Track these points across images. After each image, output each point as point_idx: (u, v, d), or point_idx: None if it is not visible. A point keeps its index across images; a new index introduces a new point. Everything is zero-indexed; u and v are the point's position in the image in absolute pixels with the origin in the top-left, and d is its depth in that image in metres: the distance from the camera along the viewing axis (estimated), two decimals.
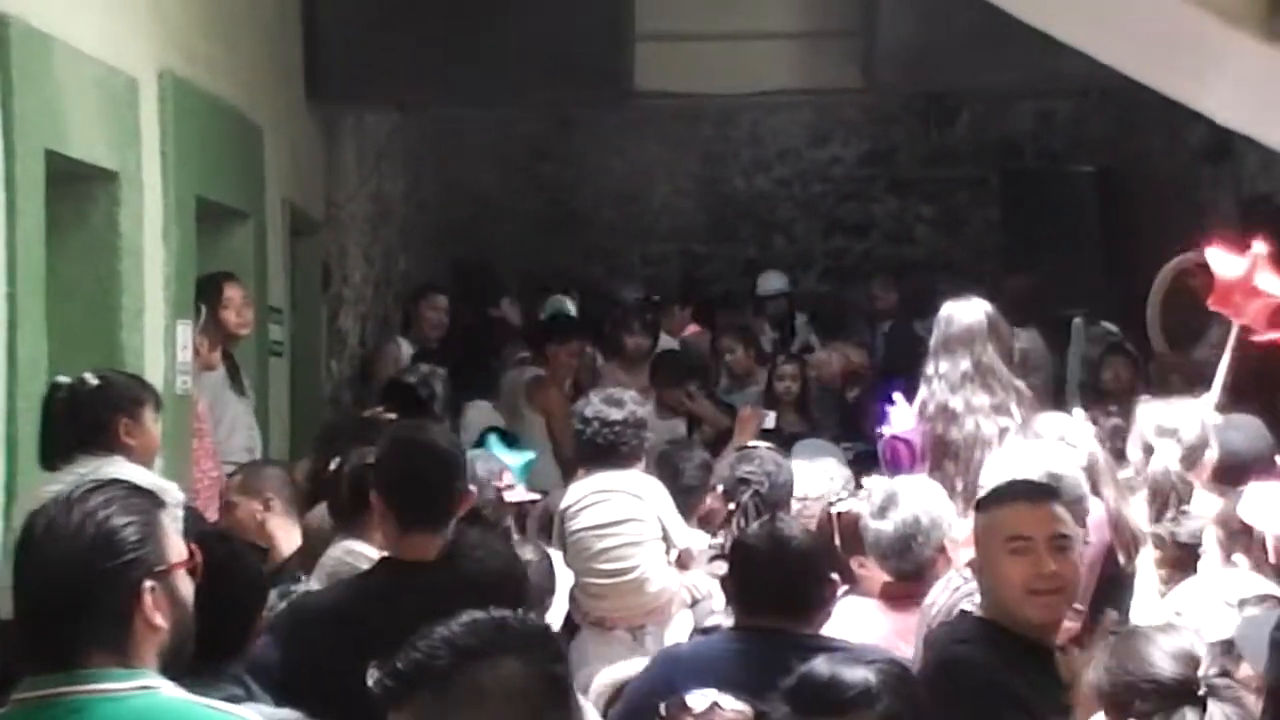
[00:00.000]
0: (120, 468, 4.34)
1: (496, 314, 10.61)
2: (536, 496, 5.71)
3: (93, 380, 4.64)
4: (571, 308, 10.03)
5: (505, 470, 5.38)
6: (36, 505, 4.23)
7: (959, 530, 4.28)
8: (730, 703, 3.26)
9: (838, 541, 4.75)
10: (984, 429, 5.36)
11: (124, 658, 2.43)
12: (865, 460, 6.24)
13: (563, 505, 5.23)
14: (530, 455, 6.27)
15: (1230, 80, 5.06)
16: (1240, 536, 4.29)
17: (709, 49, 10.80)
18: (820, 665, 2.83)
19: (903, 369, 6.03)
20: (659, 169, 12.82)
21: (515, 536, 5.10)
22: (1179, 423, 5.07)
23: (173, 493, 4.04)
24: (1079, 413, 5.40)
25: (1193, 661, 2.96)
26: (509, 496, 5.28)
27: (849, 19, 11.08)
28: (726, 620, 4.34)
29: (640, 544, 5.11)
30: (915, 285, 10.74)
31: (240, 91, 7.18)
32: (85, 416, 4.58)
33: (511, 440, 6.52)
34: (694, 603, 5.14)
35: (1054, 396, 7.95)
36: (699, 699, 3.28)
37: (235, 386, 6.89)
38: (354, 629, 3.49)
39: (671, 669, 3.97)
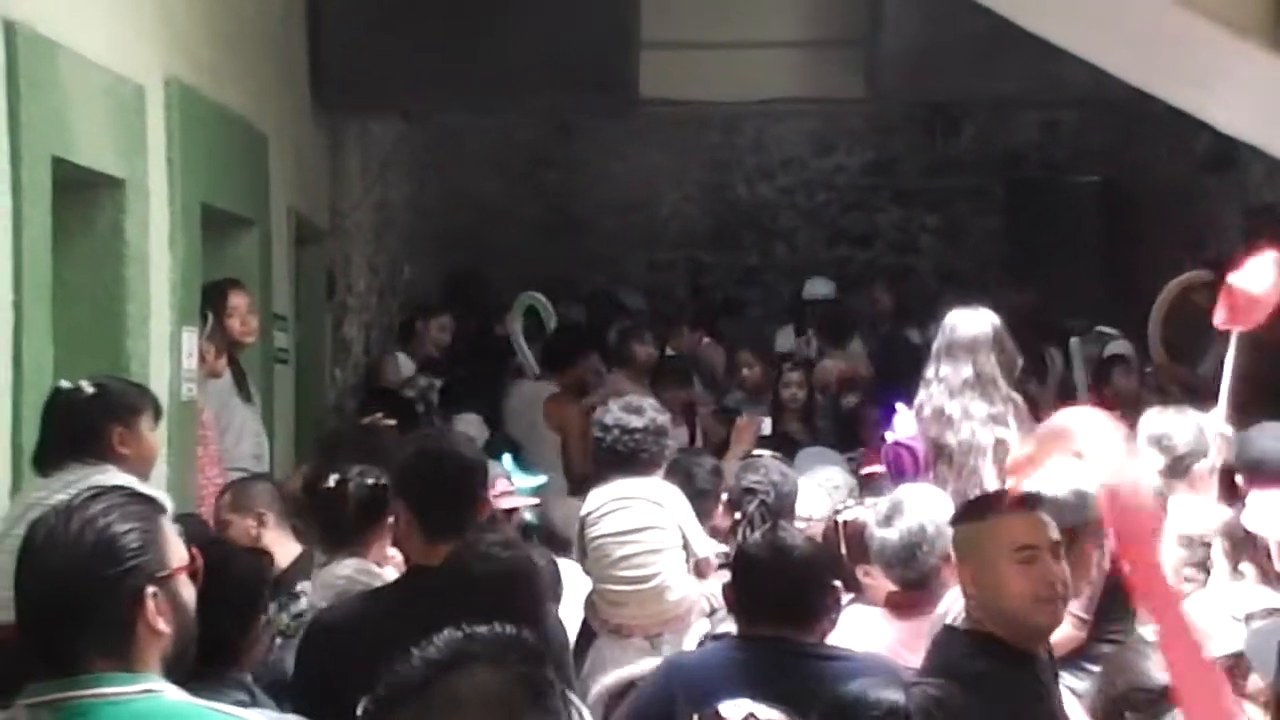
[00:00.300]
0: (111, 477, 4.30)
1: (501, 331, 10.60)
2: (534, 501, 5.71)
3: (88, 388, 4.62)
4: (546, 304, 10.01)
5: (500, 477, 5.39)
6: (21, 511, 4.29)
7: None
8: (765, 712, 3.24)
9: (843, 550, 4.76)
10: (979, 437, 5.37)
11: (127, 663, 2.44)
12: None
13: (583, 512, 5.21)
14: (542, 479, 6.28)
15: (1236, 89, 5.06)
16: (1245, 545, 4.30)
17: (713, 57, 10.82)
18: (854, 685, 2.84)
19: (895, 375, 6.03)
20: (663, 177, 12.83)
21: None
22: (1169, 430, 5.07)
23: (163, 503, 4.04)
24: None
25: None
26: (502, 503, 5.28)
27: (853, 28, 11.09)
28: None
29: (661, 552, 5.10)
30: (913, 291, 10.75)
31: (246, 99, 7.19)
32: (79, 424, 4.57)
33: (525, 464, 6.54)
34: (711, 612, 5.13)
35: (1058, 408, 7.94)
36: (733, 709, 3.27)
37: (242, 393, 6.90)
38: (384, 638, 3.48)
39: (675, 677, 3.97)
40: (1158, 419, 5.15)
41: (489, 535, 3.79)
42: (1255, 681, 3.20)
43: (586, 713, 3.90)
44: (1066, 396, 8.95)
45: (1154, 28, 4.75)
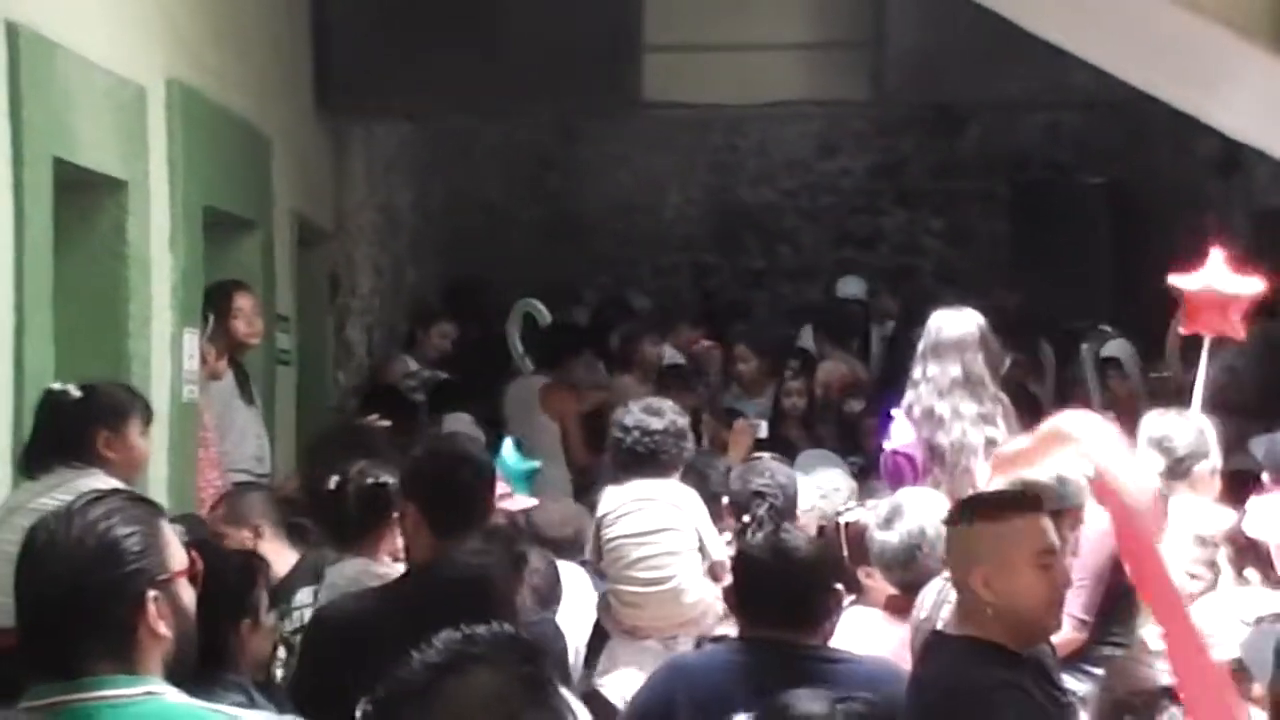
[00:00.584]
0: (97, 481, 4.29)
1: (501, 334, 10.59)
2: (534, 502, 5.71)
3: (75, 392, 4.61)
4: (541, 309, 10.03)
5: (500, 480, 5.38)
6: (3, 515, 4.28)
7: None
8: None
9: (845, 552, 4.75)
10: (970, 436, 5.36)
11: (129, 666, 2.44)
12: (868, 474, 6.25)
13: (600, 512, 5.21)
14: (535, 465, 6.28)
15: (1240, 92, 5.05)
16: (1249, 551, 4.29)
17: (717, 60, 10.79)
18: (783, 696, 2.81)
19: (900, 379, 6.01)
20: (667, 180, 12.82)
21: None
22: (1169, 432, 5.06)
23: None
24: None
25: None
26: (506, 505, 5.27)
27: (858, 30, 11.07)
28: None
29: (678, 554, 5.09)
30: (918, 294, 10.71)
31: (249, 102, 7.19)
32: (65, 428, 4.56)
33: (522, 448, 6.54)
34: (729, 614, 5.11)
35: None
36: None
37: (244, 395, 6.90)
38: (381, 638, 3.47)
39: (675, 679, 3.96)
40: (1158, 421, 5.15)
41: (471, 541, 3.79)
42: (1259, 689, 3.20)
43: (584, 712, 3.90)
44: (1074, 398, 8.95)
45: (1158, 30, 4.74)
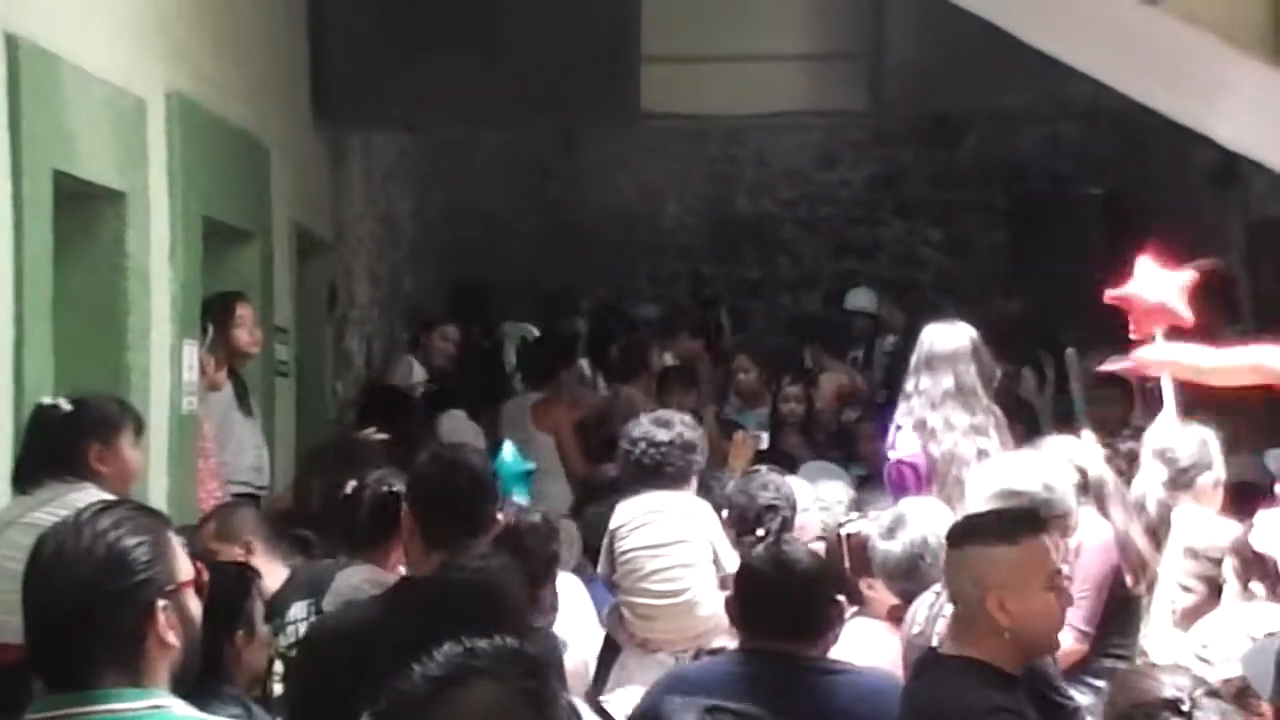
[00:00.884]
0: (89, 495, 4.28)
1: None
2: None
3: (65, 406, 4.59)
4: (535, 334, 10.07)
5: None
6: None
7: None
8: None
9: (847, 563, 4.74)
10: (961, 448, 5.37)
11: (136, 677, 2.43)
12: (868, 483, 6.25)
13: (613, 525, 5.18)
14: (530, 466, 6.28)
15: (1237, 104, 5.06)
16: (1255, 565, 4.29)
17: (715, 70, 10.83)
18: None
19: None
20: (665, 190, 12.84)
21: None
22: (1172, 444, 5.07)
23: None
24: (1088, 435, 5.39)
25: (1188, 688, 2.98)
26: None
27: (856, 41, 11.10)
28: None
29: (692, 566, 5.07)
30: (922, 305, 10.70)
31: (248, 112, 7.19)
32: (56, 442, 4.54)
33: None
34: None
35: (1057, 424, 7.93)
36: None
37: (243, 406, 6.89)
38: (383, 649, 3.47)
39: (676, 690, 3.95)
40: (1161, 432, 5.15)
41: (473, 549, 3.78)
42: (1268, 707, 3.20)
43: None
44: (1062, 408, 8.96)
45: (1155, 42, 4.75)
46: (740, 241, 12.94)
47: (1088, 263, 10.85)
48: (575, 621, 4.98)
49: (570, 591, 5.10)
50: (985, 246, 12.56)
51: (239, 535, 4.91)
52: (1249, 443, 6.53)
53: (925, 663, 3.60)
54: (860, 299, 11.31)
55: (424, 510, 3.82)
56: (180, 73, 6.32)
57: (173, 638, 2.46)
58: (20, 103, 4.84)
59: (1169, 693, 3.06)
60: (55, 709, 2.40)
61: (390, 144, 10.47)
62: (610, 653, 5.13)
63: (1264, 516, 4.42)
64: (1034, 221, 11.58)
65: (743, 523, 5.26)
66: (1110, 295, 5.47)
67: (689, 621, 5.05)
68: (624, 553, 5.12)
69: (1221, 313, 8.28)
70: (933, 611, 3.98)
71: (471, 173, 12.31)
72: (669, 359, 9.50)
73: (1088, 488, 4.76)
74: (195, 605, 2.54)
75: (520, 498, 5.85)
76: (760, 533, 5.18)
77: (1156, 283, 5.43)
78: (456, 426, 8.23)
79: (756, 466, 5.99)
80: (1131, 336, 5.40)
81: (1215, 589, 4.50)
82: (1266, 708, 3.19)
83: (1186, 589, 4.54)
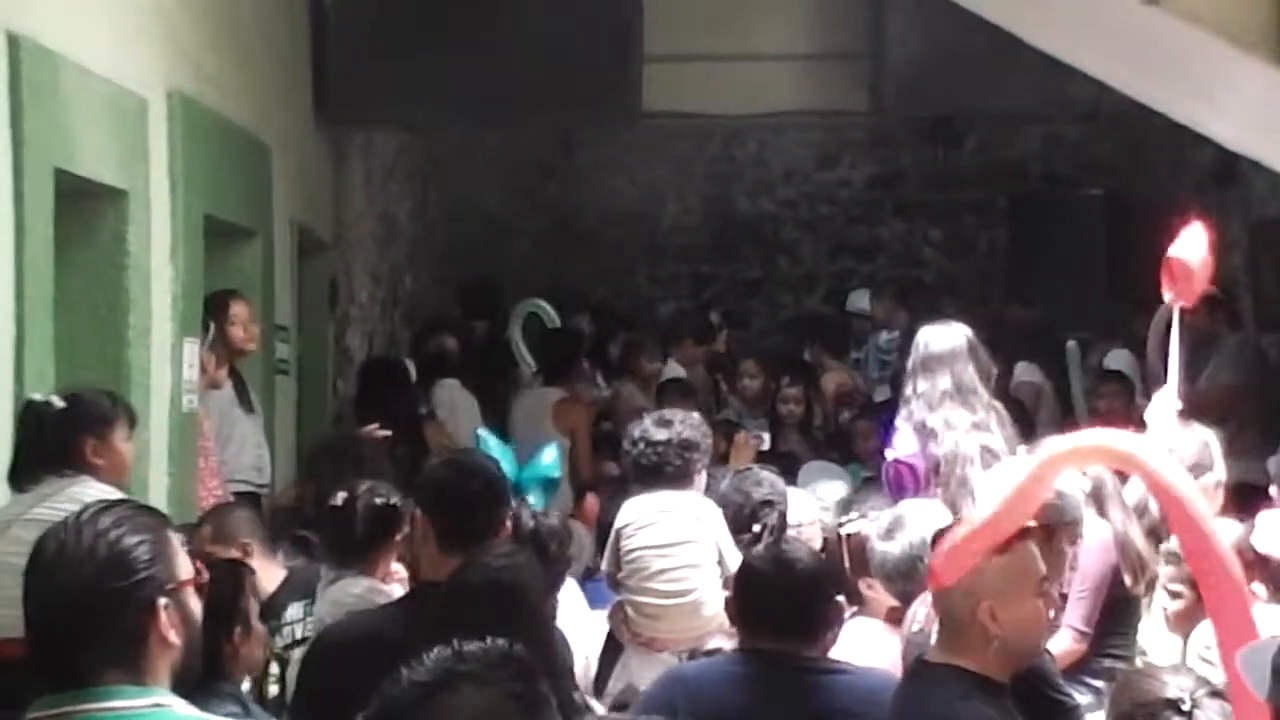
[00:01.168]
0: (89, 487, 4.31)
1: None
2: None
3: (58, 402, 4.61)
4: (548, 309, 10.05)
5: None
6: (1, 528, 4.27)
7: None
8: None
9: (846, 563, 4.75)
10: (963, 446, 5.37)
11: (138, 676, 2.44)
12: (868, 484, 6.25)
13: (619, 524, 5.18)
14: (558, 475, 6.24)
15: (1238, 104, 5.06)
16: (1256, 566, 4.29)
17: (716, 70, 10.83)
18: None
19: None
20: (665, 190, 12.83)
21: None
22: (1174, 444, 5.07)
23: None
24: None
25: (1190, 688, 2.98)
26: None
27: (857, 42, 11.11)
28: None
29: (698, 566, 5.06)
30: (924, 303, 10.70)
31: (249, 111, 7.20)
32: (52, 438, 4.56)
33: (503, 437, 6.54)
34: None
35: (1061, 422, 7.94)
36: None
37: (243, 404, 6.90)
38: (390, 655, 3.47)
39: (675, 690, 3.96)
40: (1164, 434, 5.15)
41: (495, 548, 3.78)
42: None
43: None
44: (1063, 404, 8.96)
45: (1156, 43, 4.75)
46: (740, 241, 12.93)
47: (1088, 263, 10.89)
48: (573, 621, 4.98)
49: (565, 591, 5.11)
50: (986, 246, 12.55)
51: (235, 538, 4.89)
52: (1251, 445, 6.55)
53: (915, 672, 3.58)
54: (862, 301, 11.29)
55: (437, 513, 3.83)
56: (181, 71, 6.32)
57: (174, 636, 2.47)
58: (22, 101, 4.85)
59: (1171, 693, 3.06)
60: (57, 707, 2.41)
61: (391, 143, 10.47)
62: (611, 652, 5.13)
63: (1265, 518, 4.42)
64: (1034, 222, 11.57)
65: (738, 520, 5.26)
66: (1171, 252, 5.37)
67: (694, 622, 5.05)
68: (630, 551, 5.12)
69: (1223, 319, 8.29)
70: (932, 611, 3.97)
71: (472, 172, 12.31)
72: (674, 365, 9.51)
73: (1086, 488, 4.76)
74: (195, 604, 2.55)
75: (536, 500, 5.83)
76: (756, 529, 5.19)
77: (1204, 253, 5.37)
78: (451, 396, 8.27)
79: (748, 465, 6.00)
80: (1168, 301, 5.34)
81: None
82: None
83: (1175, 594, 4.52)
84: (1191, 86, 5.22)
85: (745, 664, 3.93)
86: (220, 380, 6.63)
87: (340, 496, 4.63)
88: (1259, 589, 4.28)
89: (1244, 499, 5.17)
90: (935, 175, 12.64)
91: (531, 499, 5.34)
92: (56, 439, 4.54)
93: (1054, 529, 4.17)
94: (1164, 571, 4.63)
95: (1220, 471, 5.07)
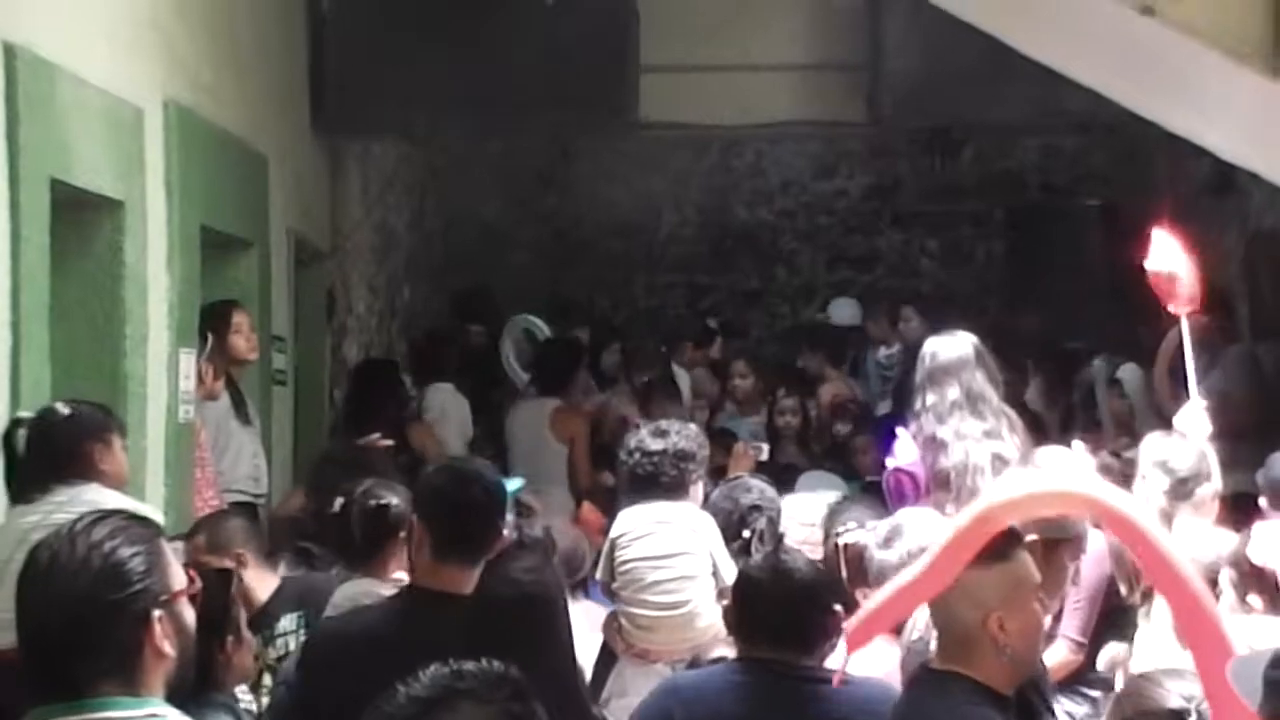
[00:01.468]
0: (99, 494, 4.32)
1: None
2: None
3: (63, 410, 4.62)
4: (539, 325, 10.07)
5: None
6: (20, 536, 4.27)
7: None
8: None
9: (844, 574, 4.74)
10: (974, 456, 5.34)
11: (133, 687, 2.44)
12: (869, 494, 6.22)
13: (614, 534, 5.19)
14: (519, 482, 6.26)
15: (1234, 115, 5.07)
16: (1252, 577, 4.28)
17: (713, 80, 10.84)
18: None
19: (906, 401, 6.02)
20: (662, 200, 12.84)
21: None
22: (1170, 455, 5.07)
23: (154, 518, 4.02)
24: (1079, 445, 5.40)
25: (1194, 699, 2.97)
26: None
27: (854, 53, 11.11)
28: None
29: (693, 578, 5.07)
30: (920, 320, 10.70)
31: (245, 121, 7.20)
32: (60, 446, 4.56)
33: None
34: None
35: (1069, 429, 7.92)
36: None
37: (239, 415, 6.89)
38: (381, 657, 3.46)
39: (671, 700, 3.95)
40: (1160, 443, 5.15)
41: (518, 560, 3.76)
42: None
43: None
44: (1075, 418, 8.95)
45: (1153, 54, 4.76)
46: (738, 251, 12.93)
47: (1085, 273, 10.90)
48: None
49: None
50: (983, 257, 12.56)
51: (229, 548, 4.85)
52: (1248, 456, 6.53)
53: (919, 678, 3.57)
54: (843, 311, 11.21)
55: (434, 522, 3.81)
56: (178, 82, 6.32)
57: (168, 647, 2.47)
58: (18, 111, 4.85)
59: (1175, 702, 3.03)
60: (51, 719, 2.41)
61: (388, 153, 10.46)
62: (605, 662, 5.13)
63: (1261, 529, 4.41)
64: (1031, 232, 11.58)
65: (728, 526, 5.26)
66: (1150, 266, 5.41)
67: (688, 633, 5.05)
68: (624, 562, 5.12)
69: (1222, 328, 8.29)
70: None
71: (470, 183, 12.31)
72: (678, 369, 9.53)
73: None
74: (190, 614, 2.55)
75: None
76: (746, 534, 5.19)
77: (1178, 264, 5.40)
78: (443, 400, 8.27)
79: (740, 474, 6.00)
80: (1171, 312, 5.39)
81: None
82: None
83: None
84: (1187, 98, 5.22)
85: (743, 674, 3.92)
86: (216, 391, 6.63)
87: (338, 502, 4.64)
88: (1255, 601, 4.27)
89: (1241, 510, 5.16)
90: (933, 186, 12.64)
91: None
92: (65, 447, 4.54)
93: (1056, 544, 4.14)
94: None
95: (1217, 482, 5.07)
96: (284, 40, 8.12)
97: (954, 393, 5.42)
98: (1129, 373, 8.82)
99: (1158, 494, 4.99)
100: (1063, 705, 4.44)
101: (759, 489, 5.43)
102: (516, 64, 8.39)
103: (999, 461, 5.28)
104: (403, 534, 4.51)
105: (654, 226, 12.88)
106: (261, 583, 4.75)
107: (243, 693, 4.06)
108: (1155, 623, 4.70)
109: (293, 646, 4.52)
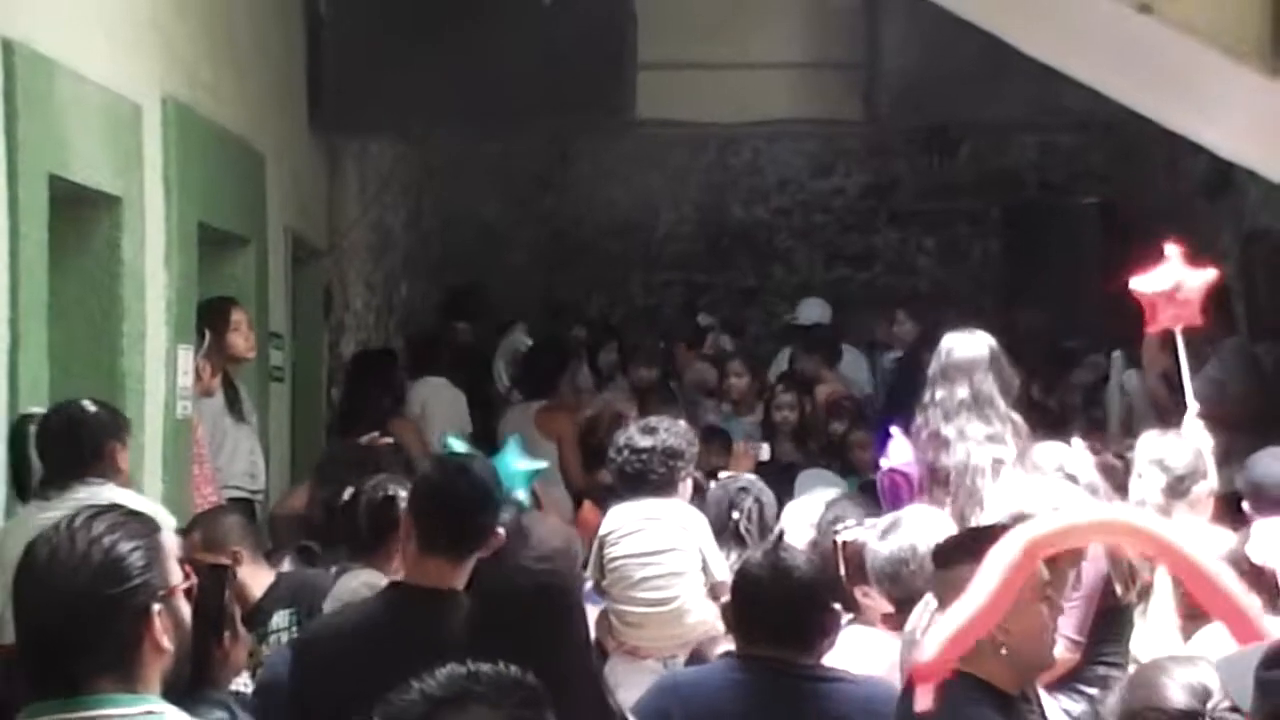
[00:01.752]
0: (117, 494, 4.33)
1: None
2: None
3: (90, 407, 4.63)
4: (528, 342, 10.10)
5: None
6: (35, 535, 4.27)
7: None
8: None
9: (842, 571, 4.74)
10: (975, 458, 5.34)
11: (130, 683, 2.44)
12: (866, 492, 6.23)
13: (602, 531, 5.19)
14: (543, 464, 6.23)
15: (1232, 114, 5.07)
16: (1250, 577, 4.27)
17: (710, 78, 10.84)
18: None
19: (908, 402, 6.01)
20: (660, 198, 12.84)
21: None
22: (1166, 453, 5.07)
23: (165, 518, 4.02)
24: (1078, 443, 5.39)
25: (1204, 694, 2.94)
26: None
27: (852, 51, 11.12)
28: None
29: (682, 574, 5.08)
30: (931, 318, 10.69)
31: (243, 119, 7.20)
32: (85, 443, 4.56)
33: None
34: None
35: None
36: None
37: (234, 412, 6.89)
38: (366, 653, 3.46)
39: (669, 697, 3.95)
40: (1157, 441, 5.16)
41: (529, 552, 3.74)
42: None
43: None
44: (1074, 417, 8.95)
45: (1150, 51, 4.76)
46: (735, 250, 12.94)
47: (1082, 272, 10.90)
48: None
49: None
50: (980, 255, 12.57)
51: (225, 545, 4.85)
52: (1245, 453, 6.54)
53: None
54: (811, 311, 11.10)
55: (421, 516, 3.80)
56: (176, 78, 6.32)
57: (166, 642, 2.47)
58: (16, 107, 4.86)
59: (1184, 701, 3.00)
60: (48, 714, 2.40)
61: (385, 151, 10.46)
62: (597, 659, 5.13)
63: (1260, 528, 4.41)
64: (1029, 231, 11.59)
65: (719, 511, 5.27)
66: (1135, 286, 5.43)
67: (677, 629, 5.06)
68: (613, 559, 5.13)
69: (1222, 323, 8.29)
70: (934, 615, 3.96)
71: (467, 182, 12.31)
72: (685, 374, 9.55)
73: None
74: (187, 610, 2.56)
75: (521, 494, 5.79)
76: (736, 515, 5.20)
77: (1180, 279, 5.41)
78: (435, 393, 8.27)
79: (731, 473, 6.01)
80: (1149, 331, 5.40)
81: None
82: None
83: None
84: (1185, 96, 5.23)
85: (741, 671, 3.91)
86: (213, 388, 6.63)
87: (349, 492, 4.67)
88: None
89: (1237, 508, 5.16)
90: (930, 184, 12.65)
91: (517, 493, 5.37)
92: (90, 444, 4.55)
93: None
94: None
95: (1214, 480, 5.07)
96: (282, 39, 8.12)
97: (963, 392, 5.42)
98: (1129, 374, 8.84)
99: (1154, 492, 5.01)
100: (1060, 703, 4.43)
101: (748, 479, 5.45)
102: (514, 63, 8.39)
103: (999, 465, 5.28)
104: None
105: (651, 225, 12.89)
106: (256, 579, 4.76)
107: (243, 685, 4.06)
108: (1151, 622, 4.71)
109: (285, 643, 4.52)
